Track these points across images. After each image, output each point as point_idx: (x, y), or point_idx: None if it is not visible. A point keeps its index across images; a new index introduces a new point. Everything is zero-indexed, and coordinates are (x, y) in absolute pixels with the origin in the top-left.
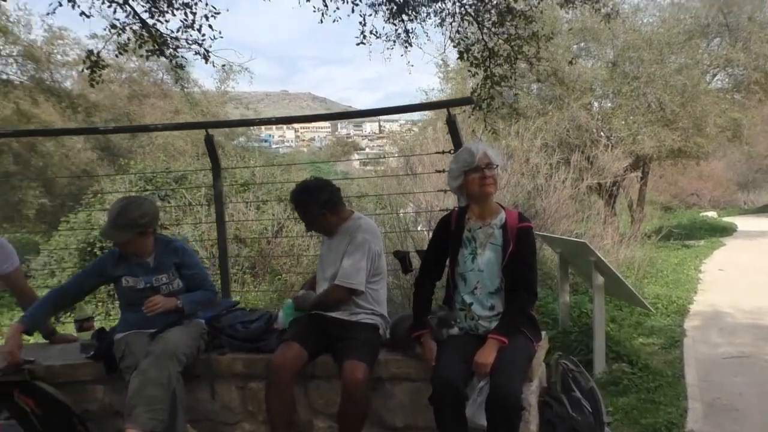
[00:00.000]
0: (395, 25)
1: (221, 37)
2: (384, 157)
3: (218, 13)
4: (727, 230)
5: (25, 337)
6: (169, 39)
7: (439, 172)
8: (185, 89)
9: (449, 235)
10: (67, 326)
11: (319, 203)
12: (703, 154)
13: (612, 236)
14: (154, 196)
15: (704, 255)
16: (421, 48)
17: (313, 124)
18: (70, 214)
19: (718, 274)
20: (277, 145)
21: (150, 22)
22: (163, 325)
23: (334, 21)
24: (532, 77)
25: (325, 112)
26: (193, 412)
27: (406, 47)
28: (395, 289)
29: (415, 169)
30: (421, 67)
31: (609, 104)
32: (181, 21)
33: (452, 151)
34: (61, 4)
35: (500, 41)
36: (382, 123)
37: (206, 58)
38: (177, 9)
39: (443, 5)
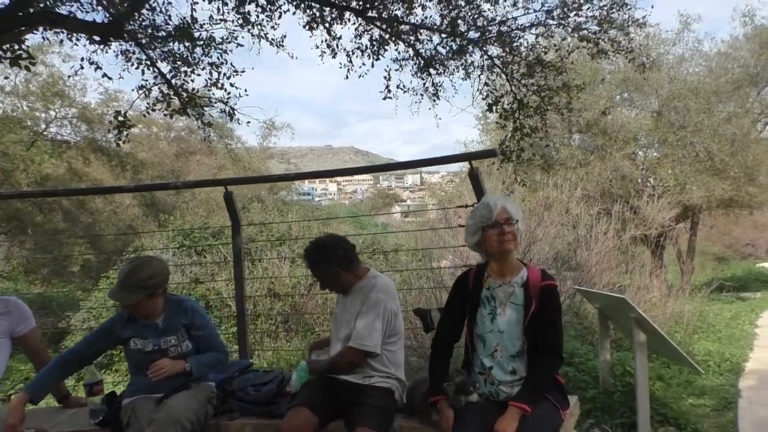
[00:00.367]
0: (422, 78)
1: (247, 95)
2: (401, 212)
3: (243, 71)
4: None
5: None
6: (194, 98)
7: (461, 226)
8: (229, 146)
9: (467, 293)
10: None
11: (332, 261)
12: (756, 204)
13: (659, 289)
14: (191, 251)
15: (761, 308)
16: (449, 101)
17: (355, 177)
18: (111, 271)
19: None
20: (320, 198)
21: (175, 82)
22: (170, 390)
23: (360, 76)
24: (573, 127)
25: (347, 168)
26: None
27: (434, 101)
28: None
29: (452, 222)
30: (463, 118)
31: (654, 153)
32: (205, 80)
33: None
34: (82, 67)
35: (530, 93)
36: (423, 175)
37: (231, 115)
38: (203, 68)
39: (471, 57)
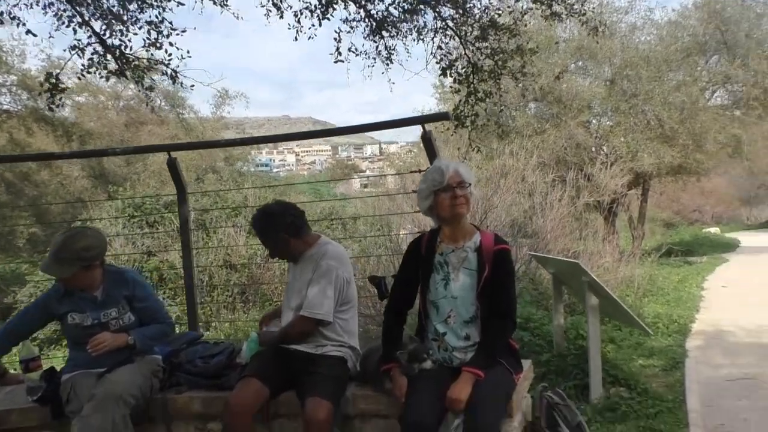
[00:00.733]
0: (375, 41)
1: (189, 57)
2: (346, 177)
3: (183, 32)
4: (730, 246)
5: None
6: (131, 59)
7: (414, 191)
8: (181, 116)
9: (420, 259)
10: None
11: (280, 228)
12: (704, 171)
13: (611, 254)
14: (143, 222)
15: (707, 272)
16: (401, 65)
17: (314, 148)
18: None
19: (721, 291)
20: (278, 169)
21: (111, 42)
22: (113, 364)
23: (309, 38)
24: (529, 96)
25: (297, 132)
26: None
27: (387, 65)
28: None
29: (409, 190)
30: (421, 87)
31: (608, 122)
32: (143, 39)
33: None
34: (2, 22)
35: (483, 56)
36: (382, 145)
37: (173, 78)
38: (139, 27)
39: (424, 20)
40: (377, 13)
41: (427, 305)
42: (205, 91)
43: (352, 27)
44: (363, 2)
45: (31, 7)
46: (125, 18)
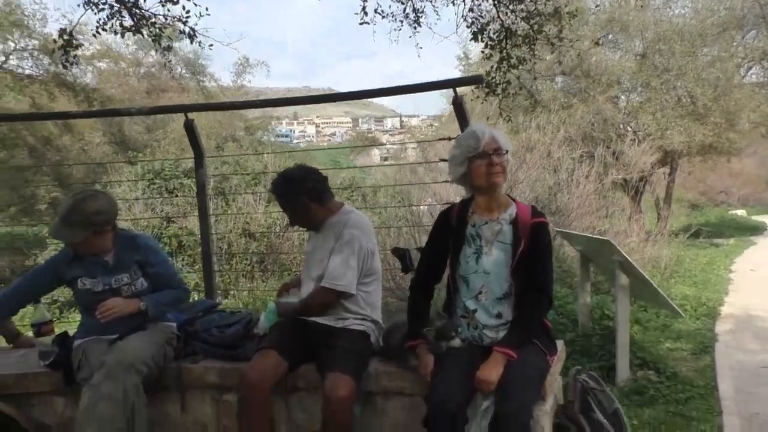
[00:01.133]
0: (403, 3)
1: (208, 14)
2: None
3: None
4: (758, 229)
5: None
6: (147, 15)
7: (444, 161)
8: (201, 83)
9: (449, 231)
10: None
11: (301, 193)
12: (735, 150)
13: (638, 234)
14: (162, 189)
15: (734, 254)
16: (430, 28)
17: (334, 119)
18: None
19: (749, 274)
20: (298, 140)
21: None
22: (125, 331)
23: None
24: (556, 69)
25: (320, 94)
26: (162, 426)
27: (415, 28)
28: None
29: (431, 165)
30: (444, 58)
31: (637, 98)
32: None
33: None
34: None
35: (518, 19)
36: (403, 118)
37: (191, 37)
38: None
39: None
40: None
41: (457, 280)
42: (225, 59)
43: None
44: None
45: None
46: None
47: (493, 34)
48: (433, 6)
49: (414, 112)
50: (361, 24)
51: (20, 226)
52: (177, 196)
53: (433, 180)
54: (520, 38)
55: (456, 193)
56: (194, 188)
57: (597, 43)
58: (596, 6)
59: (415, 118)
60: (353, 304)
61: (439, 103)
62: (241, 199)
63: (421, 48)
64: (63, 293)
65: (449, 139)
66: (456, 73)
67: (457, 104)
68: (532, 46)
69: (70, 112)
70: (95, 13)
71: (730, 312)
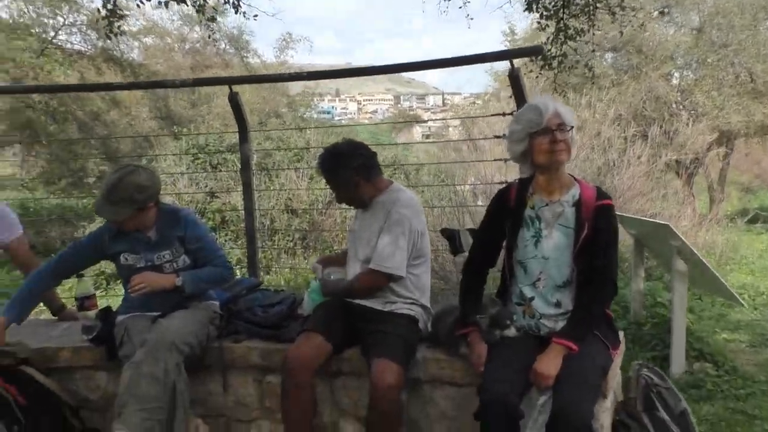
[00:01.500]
0: None
1: None
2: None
3: None
4: None
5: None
6: None
7: (498, 137)
8: (245, 59)
9: (507, 212)
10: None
11: (349, 169)
12: None
13: (690, 218)
14: (206, 164)
15: None
16: None
17: (376, 96)
18: None
19: None
20: (339, 117)
21: None
22: (167, 309)
23: None
24: (606, 45)
25: (365, 66)
26: (204, 405)
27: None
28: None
29: (477, 144)
30: (492, 36)
31: (692, 75)
32: None
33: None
34: None
35: None
36: (446, 96)
37: (236, 6)
38: None
39: None
40: None
41: (513, 265)
42: (269, 35)
43: None
44: None
45: None
46: None
47: (549, 3)
48: None
49: (457, 89)
50: None
51: (70, 199)
52: (220, 171)
53: (477, 159)
54: (578, 7)
55: (500, 174)
56: (237, 164)
57: (662, 13)
58: None
59: (458, 95)
60: (401, 287)
61: (483, 79)
62: (284, 175)
63: (471, 19)
64: (109, 265)
65: (503, 114)
66: None
67: (514, 77)
68: (592, 16)
69: (113, 84)
70: None
71: None
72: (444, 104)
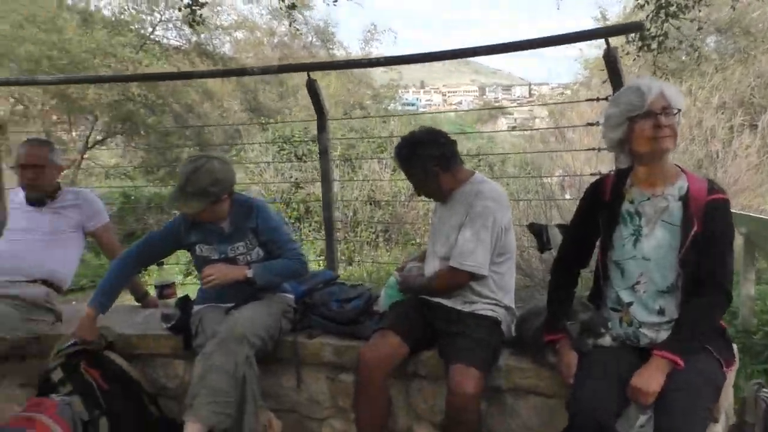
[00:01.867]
0: None
1: None
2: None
3: None
4: None
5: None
6: None
7: (590, 125)
8: (330, 50)
9: (601, 207)
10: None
11: (428, 159)
12: None
13: None
14: (291, 155)
15: None
16: None
17: (461, 87)
18: None
19: None
20: (424, 109)
21: None
22: (240, 300)
23: None
24: (710, 27)
25: (450, 49)
26: (277, 400)
27: None
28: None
29: (565, 137)
30: (581, 25)
31: None
32: None
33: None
34: None
35: None
36: (532, 87)
37: None
38: None
39: None
40: None
41: (609, 266)
42: (354, 28)
43: None
44: None
45: None
46: None
47: None
48: None
49: (544, 80)
50: None
51: (167, 187)
52: (305, 161)
53: (567, 154)
54: None
55: (589, 166)
56: None
57: None
58: None
59: (545, 86)
60: (483, 286)
61: (573, 68)
62: (367, 166)
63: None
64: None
65: (596, 100)
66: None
67: (611, 59)
68: None
69: (194, 72)
70: None
71: None
72: (530, 95)
